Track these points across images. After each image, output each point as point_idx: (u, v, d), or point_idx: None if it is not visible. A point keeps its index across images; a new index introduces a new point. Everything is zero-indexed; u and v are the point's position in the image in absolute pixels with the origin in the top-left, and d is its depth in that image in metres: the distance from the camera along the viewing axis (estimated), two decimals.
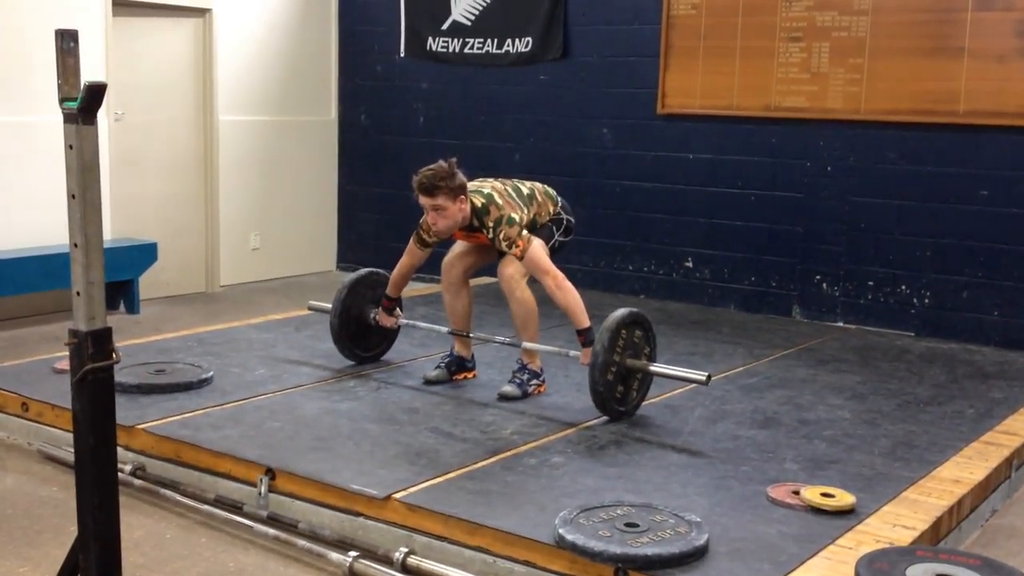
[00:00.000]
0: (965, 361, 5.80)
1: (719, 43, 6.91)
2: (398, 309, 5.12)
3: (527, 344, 4.73)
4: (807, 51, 6.64)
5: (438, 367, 4.98)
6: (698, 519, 3.31)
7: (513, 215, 4.55)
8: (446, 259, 4.91)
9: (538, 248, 4.54)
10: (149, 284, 7.34)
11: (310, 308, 5.60)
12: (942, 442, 4.30)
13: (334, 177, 8.90)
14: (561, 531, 3.18)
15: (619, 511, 3.35)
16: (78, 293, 2.47)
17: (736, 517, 3.44)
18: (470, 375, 5.02)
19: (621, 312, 4.40)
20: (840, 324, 6.71)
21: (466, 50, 7.99)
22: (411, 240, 4.82)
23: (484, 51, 7.92)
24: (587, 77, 7.57)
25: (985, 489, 3.98)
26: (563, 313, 4.57)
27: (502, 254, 4.72)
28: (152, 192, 7.54)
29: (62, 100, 2.44)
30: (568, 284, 4.51)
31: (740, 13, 6.82)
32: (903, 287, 6.53)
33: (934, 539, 3.50)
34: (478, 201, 4.58)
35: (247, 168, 8.15)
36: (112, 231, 7.10)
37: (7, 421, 4.57)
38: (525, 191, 4.79)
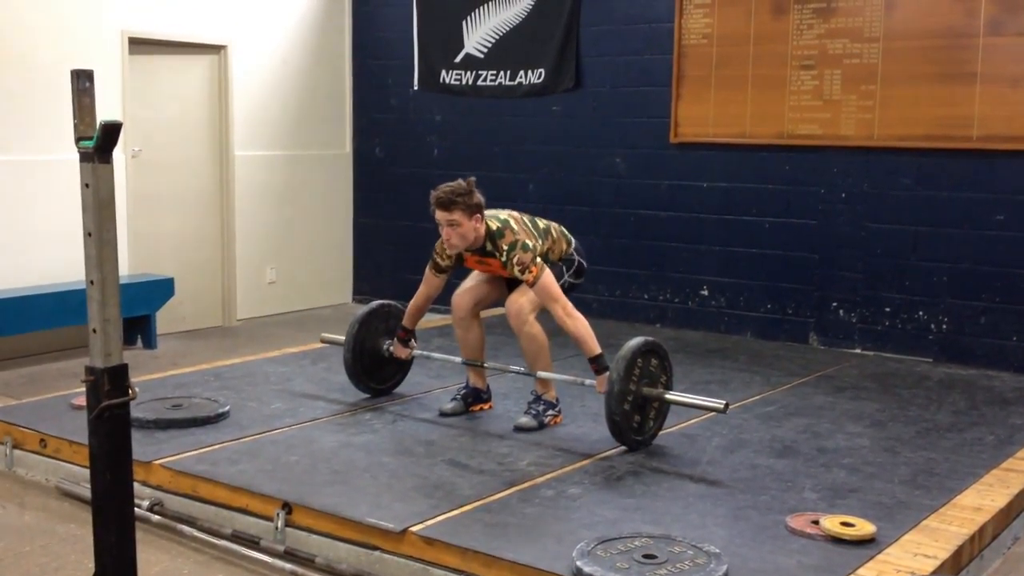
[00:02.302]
0: (984, 387, 5.76)
1: (731, 72, 6.93)
2: (412, 340, 5.13)
3: (542, 373, 4.72)
4: (819, 78, 6.65)
5: (454, 399, 4.98)
6: (717, 550, 3.28)
7: (528, 241, 4.57)
8: (456, 294, 4.91)
9: (550, 275, 4.55)
10: (166, 319, 7.38)
11: (323, 341, 5.61)
12: (962, 469, 4.27)
13: (349, 210, 8.94)
14: (579, 563, 3.16)
15: (637, 543, 3.33)
16: (95, 330, 2.49)
17: (755, 548, 3.41)
18: (486, 407, 5.02)
19: (636, 341, 4.39)
20: (858, 351, 6.68)
21: (479, 82, 8.04)
22: (427, 269, 4.84)
23: (497, 83, 7.97)
24: (600, 107, 7.59)
25: (1007, 516, 3.94)
26: (574, 342, 4.56)
27: (511, 288, 4.73)
28: (169, 227, 7.59)
29: (78, 139, 2.48)
30: (578, 313, 4.51)
31: (751, 42, 6.85)
32: (920, 313, 6.50)
33: (956, 568, 3.46)
34: (493, 224, 4.60)
35: (263, 202, 8.20)
36: (129, 266, 7.14)
37: (25, 458, 4.58)
38: (541, 225, 4.82)
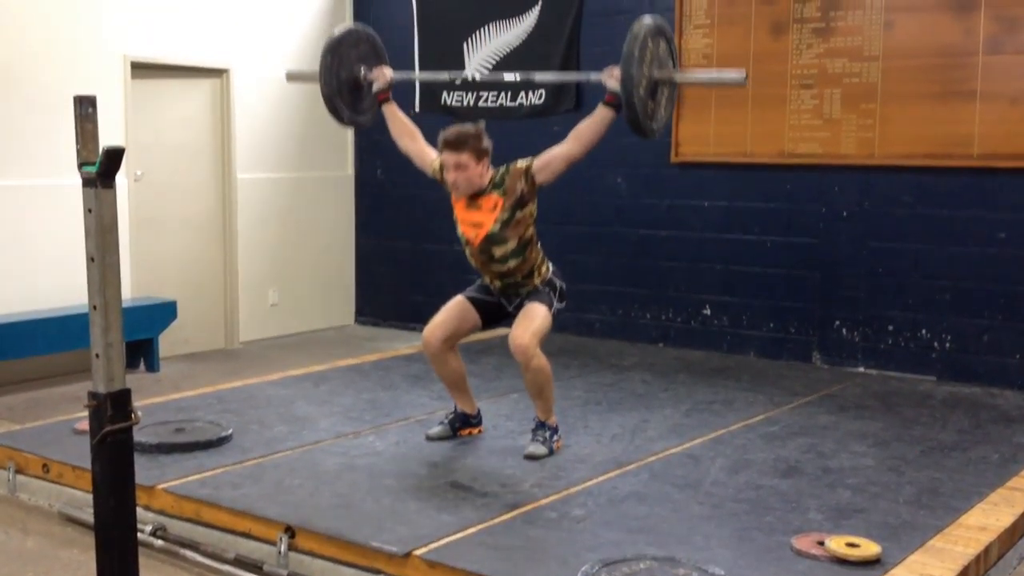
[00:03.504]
0: (988, 405, 5.75)
1: (731, 91, 6.93)
2: (388, 72, 5.02)
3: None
4: (819, 97, 6.67)
5: (440, 423, 4.93)
6: (722, 572, 3.27)
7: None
8: (426, 329, 4.73)
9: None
10: (169, 342, 7.38)
11: (289, 78, 5.38)
12: (967, 488, 4.25)
13: (351, 232, 8.96)
14: None
15: (642, 565, 3.32)
16: (97, 355, 2.49)
17: (760, 569, 3.40)
18: (475, 431, 4.95)
19: (645, 23, 4.16)
20: (861, 369, 6.67)
21: (480, 103, 8.06)
22: (431, 149, 4.80)
23: (498, 104, 7.99)
24: None
25: (1013, 536, 3.92)
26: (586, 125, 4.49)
27: (486, 319, 4.70)
28: (171, 250, 7.61)
29: (81, 164, 2.49)
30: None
31: (751, 61, 6.86)
32: (923, 331, 6.49)
33: None
34: (500, 169, 4.59)
35: (265, 225, 8.22)
36: (132, 290, 7.14)
37: (28, 483, 4.58)
38: None
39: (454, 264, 7.58)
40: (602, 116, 4.42)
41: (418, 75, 4.85)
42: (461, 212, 4.66)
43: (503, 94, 7.97)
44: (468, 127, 4.53)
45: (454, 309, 4.75)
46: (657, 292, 7.47)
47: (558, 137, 8.33)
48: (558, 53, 7.68)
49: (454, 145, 4.48)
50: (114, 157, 2.45)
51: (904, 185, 6.50)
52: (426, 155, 4.86)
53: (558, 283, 4.70)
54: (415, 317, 8.63)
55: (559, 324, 4.78)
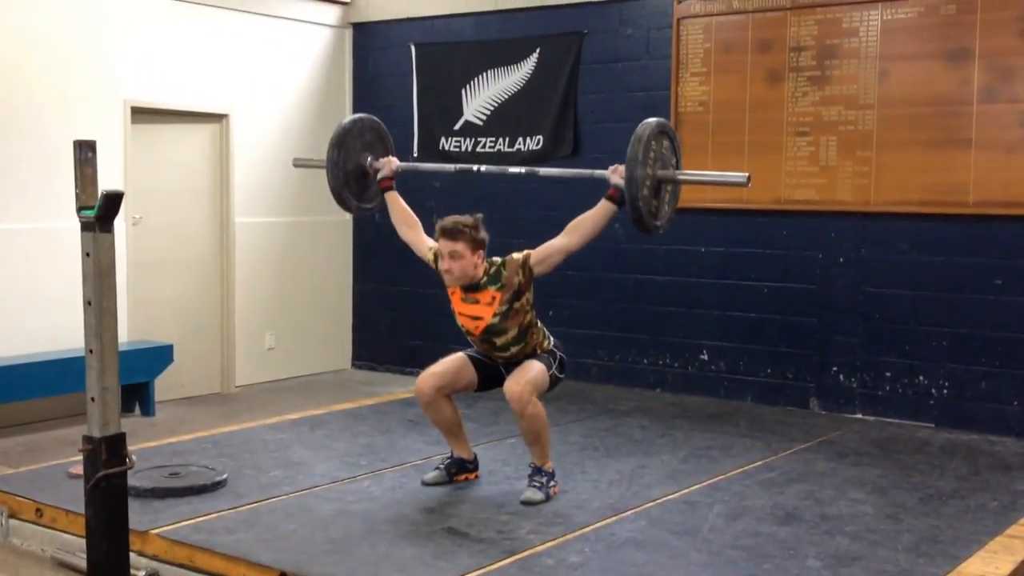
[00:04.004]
0: (986, 452, 5.73)
1: (727, 139, 6.99)
2: (394, 161, 5.05)
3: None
4: (815, 145, 6.71)
5: (436, 468, 4.91)
6: None
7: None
8: (420, 377, 4.74)
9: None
10: (165, 386, 7.36)
11: (296, 165, 5.45)
12: (966, 536, 4.23)
13: (348, 276, 8.96)
14: None
15: None
16: (93, 399, 2.49)
17: None
18: (472, 476, 4.93)
19: (649, 123, 4.26)
20: (858, 416, 6.65)
21: (478, 149, 8.11)
22: (428, 238, 4.81)
23: (496, 150, 8.03)
24: None
25: None
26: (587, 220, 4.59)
27: (483, 378, 4.71)
28: (169, 294, 7.61)
29: (80, 208, 2.50)
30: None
31: (747, 109, 6.92)
32: (921, 378, 6.48)
33: None
34: (496, 260, 4.61)
35: (263, 269, 8.23)
36: (128, 333, 7.13)
37: (21, 527, 4.54)
38: None
39: (451, 309, 7.57)
40: (604, 210, 4.51)
41: (422, 165, 4.95)
42: (458, 304, 4.69)
43: (501, 140, 8.01)
44: (466, 218, 4.57)
45: (453, 363, 4.77)
46: (654, 337, 7.46)
47: (555, 183, 8.38)
48: (556, 99, 7.74)
49: (450, 234, 4.51)
50: (113, 201, 2.47)
51: (900, 232, 6.53)
52: (423, 243, 4.90)
53: (559, 354, 4.74)
54: (412, 361, 8.61)
55: None
